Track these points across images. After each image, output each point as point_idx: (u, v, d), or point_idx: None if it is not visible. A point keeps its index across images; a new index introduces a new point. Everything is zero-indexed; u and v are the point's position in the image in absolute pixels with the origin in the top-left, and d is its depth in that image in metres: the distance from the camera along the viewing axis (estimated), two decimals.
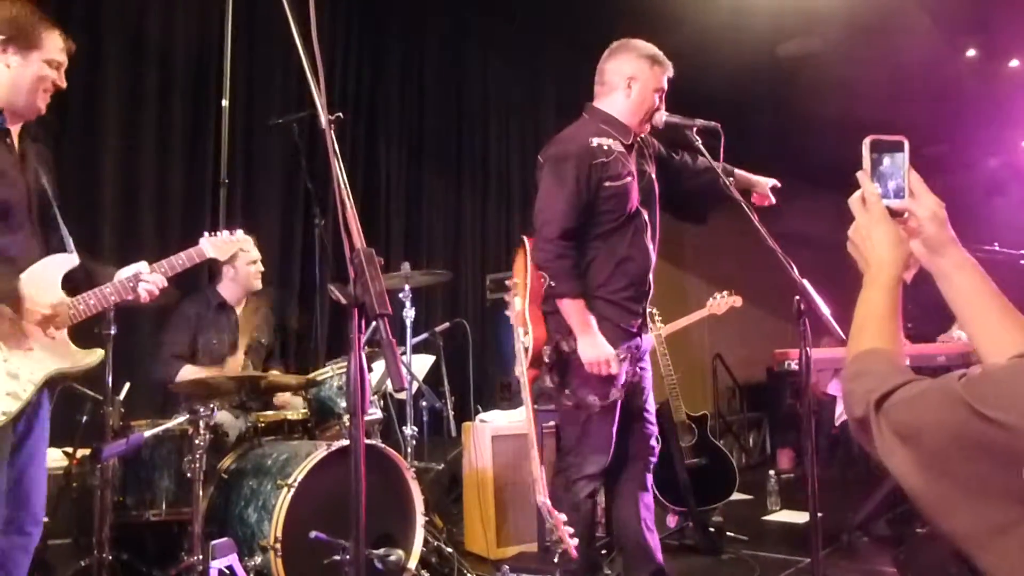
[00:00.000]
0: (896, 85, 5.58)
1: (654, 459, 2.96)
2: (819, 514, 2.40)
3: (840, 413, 5.18)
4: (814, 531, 2.40)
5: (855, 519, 4.12)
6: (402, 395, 4.02)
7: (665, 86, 2.84)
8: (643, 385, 2.90)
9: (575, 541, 2.47)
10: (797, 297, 2.41)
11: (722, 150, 2.75)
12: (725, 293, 4.50)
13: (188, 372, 3.58)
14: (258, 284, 3.84)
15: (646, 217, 2.84)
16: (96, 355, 2.37)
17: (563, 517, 2.48)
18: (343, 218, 1.39)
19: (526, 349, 2.77)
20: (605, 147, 2.72)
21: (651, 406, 2.95)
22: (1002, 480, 0.86)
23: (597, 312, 2.72)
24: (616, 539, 3.16)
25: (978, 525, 0.89)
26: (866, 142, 1.20)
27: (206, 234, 2.81)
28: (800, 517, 4.74)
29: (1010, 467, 0.85)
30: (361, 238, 1.39)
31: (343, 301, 1.33)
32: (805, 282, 2.40)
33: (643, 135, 2.91)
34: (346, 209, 1.40)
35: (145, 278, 2.47)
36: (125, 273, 2.49)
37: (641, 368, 2.88)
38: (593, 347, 2.65)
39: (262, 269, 3.86)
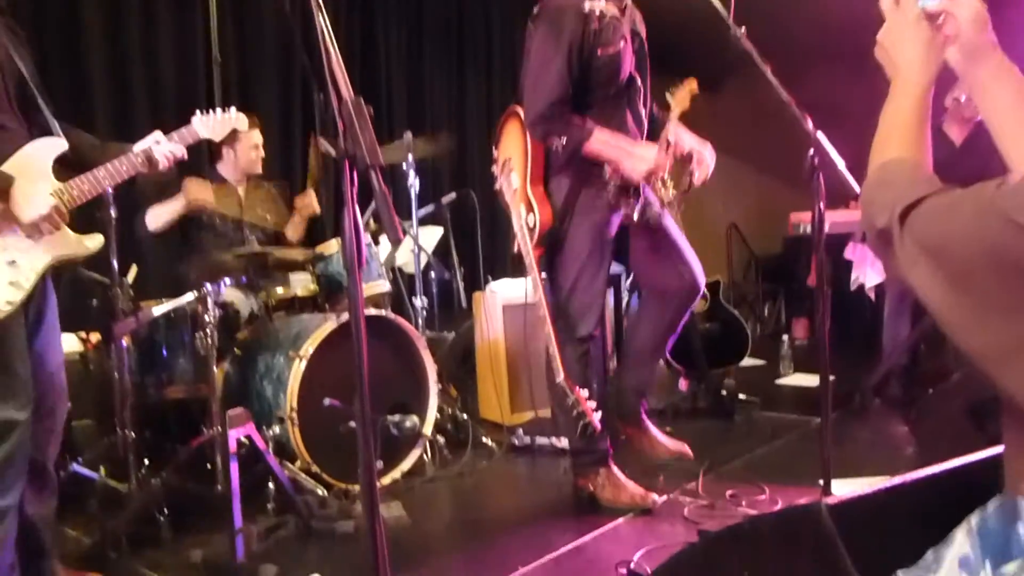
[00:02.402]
0: None
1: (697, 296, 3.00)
2: (831, 377, 2.42)
3: (855, 278, 5.18)
4: (824, 389, 2.43)
5: (869, 381, 4.18)
6: (410, 267, 4.04)
7: None
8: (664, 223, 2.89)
9: (599, 414, 2.54)
10: (811, 151, 2.35)
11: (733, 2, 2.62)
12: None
13: (154, 212, 3.54)
14: (258, 169, 3.79)
15: (639, 83, 2.79)
16: (96, 241, 2.35)
17: (585, 392, 2.55)
18: (328, 67, 1.34)
19: (531, 229, 2.78)
20: (598, 12, 2.65)
21: (681, 242, 2.94)
22: None
23: (592, 179, 2.74)
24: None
25: (1001, 341, 0.87)
26: None
27: (198, 113, 2.77)
28: (812, 380, 4.82)
29: None
30: (348, 88, 1.35)
31: (333, 154, 1.29)
32: (820, 135, 2.34)
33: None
34: (331, 58, 1.35)
35: (161, 141, 2.47)
36: (140, 145, 2.46)
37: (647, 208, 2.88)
38: (642, 161, 2.65)
39: (263, 155, 3.78)
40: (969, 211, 0.88)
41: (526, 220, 2.79)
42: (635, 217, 2.82)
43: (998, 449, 1.03)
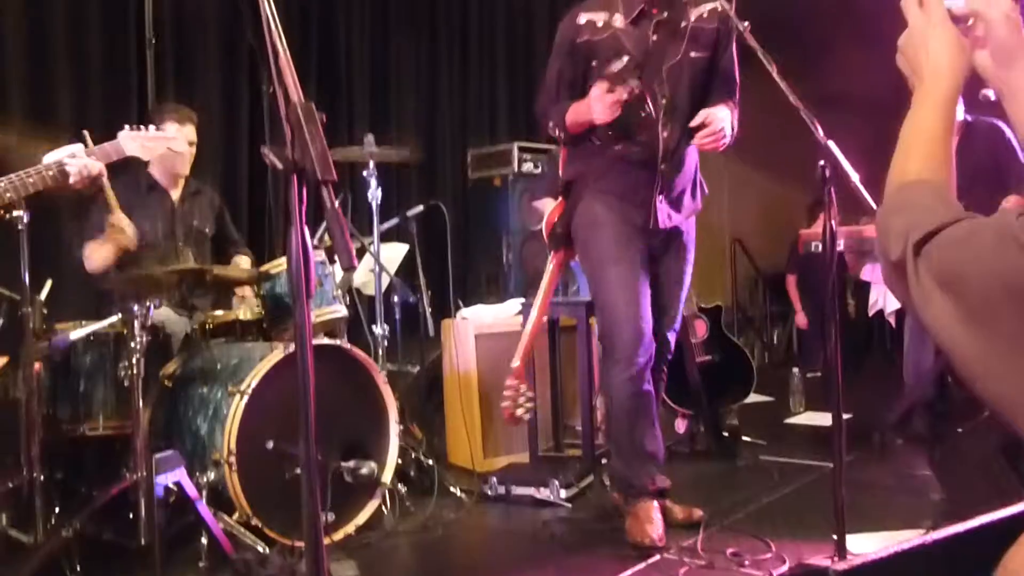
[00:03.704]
0: None
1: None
2: (846, 415, 2.45)
3: (875, 301, 5.23)
4: (837, 429, 2.46)
5: (889, 418, 4.22)
6: (369, 289, 4.03)
7: None
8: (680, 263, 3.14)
9: (525, 411, 3.00)
10: (821, 162, 2.39)
11: None
12: None
13: (91, 250, 3.53)
14: (183, 169, 3.75)
15: (663, 100, 2.90)
16: None
17: (514, 382, 3.00)
18: (275, 66, 1.35)
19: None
20: (599, 23, 2.90)
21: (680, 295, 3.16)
22: None
23: (603, 205, 2.97)
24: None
25: None
26: None
27: (127, 128, 2.77)
28: (826, 419, 4.84)
29: None
30: (298, 90, 1.36)
31: (279, 166, 1.30)
32: (831, 144, 2.38)
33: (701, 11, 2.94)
34: (279, 56, 1.36)
35: (77, 155, 2.48)
36: (53, 156, 2.47)
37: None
38: (587, 105, 2.83)
39: (182, 151, 3.72)
40: (989, 242, 0.90)
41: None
42: (651, 225, 2.99)
43: None
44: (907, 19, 1.14)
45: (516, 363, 3.08)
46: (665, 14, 2.89)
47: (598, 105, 2.78)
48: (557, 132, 3.01)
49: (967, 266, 0.91)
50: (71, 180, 2.53)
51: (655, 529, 2.91)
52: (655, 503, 3.00)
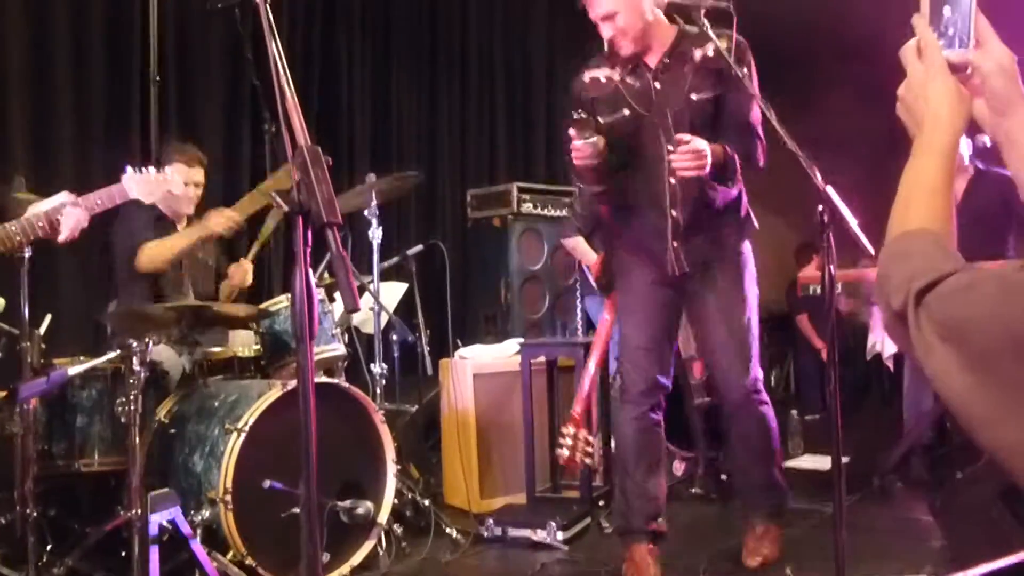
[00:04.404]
0: None
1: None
2: (845, 458, 2.44)
3: (873, 344, 5.25)
4: (837, 472, 2.45)
5: (888, 461, 4.20)
6: (368, 327, 4.04)
7: None
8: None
9: (586, 455, 3.19)
10: (820, 207, 2.41)
11: (735, 33, 2.73)
12: None
13: (148, 248, 3.57)
14: (188, 209, 3.77)
15: (669, 147, 2.87)
16: None
17: (573, 430, 3.20)
18: (283, 110, 1.38)
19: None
20: (602, 79, 2.95)
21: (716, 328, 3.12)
22: None
23: (628, 254, 3.10)
24: None
25: None
26: None
27: (129, 169, 2.81)
28: (825, 462, 4.82)
29: None
30: (305, 134, 1.38)
31: (285, 208, 1.32)
32: (829, 189, 2.40)
33: (700, 52, 2.90)
34: (286, 100, 1.39)
35: (71, 202, 2.51)
36: (44, 206, 2.49)
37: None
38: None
39: (192, 194, 3.75)
40: (992, 292, 0.90)
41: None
42: (668, 271, 2.99)
43: None
44: (906, 69, 1.15)
45: (576, 410, 3.25)
46: (667, 60, 2.89)
47: (572, 152, 2.81)
48: (584, 190, 3.21)
49: (969, 316, 0.91)
50: (62, 238, 2.59)
51: (650, 574, 2.92)
52: (649, 547, 3.00)
